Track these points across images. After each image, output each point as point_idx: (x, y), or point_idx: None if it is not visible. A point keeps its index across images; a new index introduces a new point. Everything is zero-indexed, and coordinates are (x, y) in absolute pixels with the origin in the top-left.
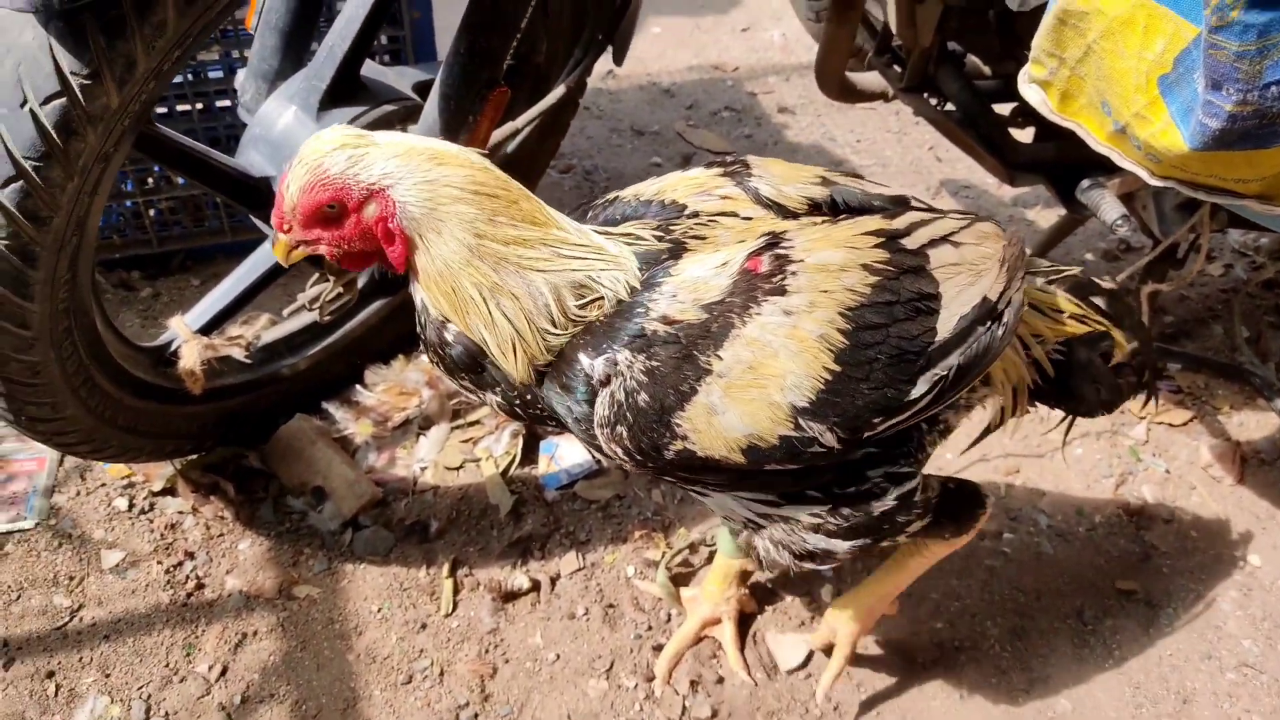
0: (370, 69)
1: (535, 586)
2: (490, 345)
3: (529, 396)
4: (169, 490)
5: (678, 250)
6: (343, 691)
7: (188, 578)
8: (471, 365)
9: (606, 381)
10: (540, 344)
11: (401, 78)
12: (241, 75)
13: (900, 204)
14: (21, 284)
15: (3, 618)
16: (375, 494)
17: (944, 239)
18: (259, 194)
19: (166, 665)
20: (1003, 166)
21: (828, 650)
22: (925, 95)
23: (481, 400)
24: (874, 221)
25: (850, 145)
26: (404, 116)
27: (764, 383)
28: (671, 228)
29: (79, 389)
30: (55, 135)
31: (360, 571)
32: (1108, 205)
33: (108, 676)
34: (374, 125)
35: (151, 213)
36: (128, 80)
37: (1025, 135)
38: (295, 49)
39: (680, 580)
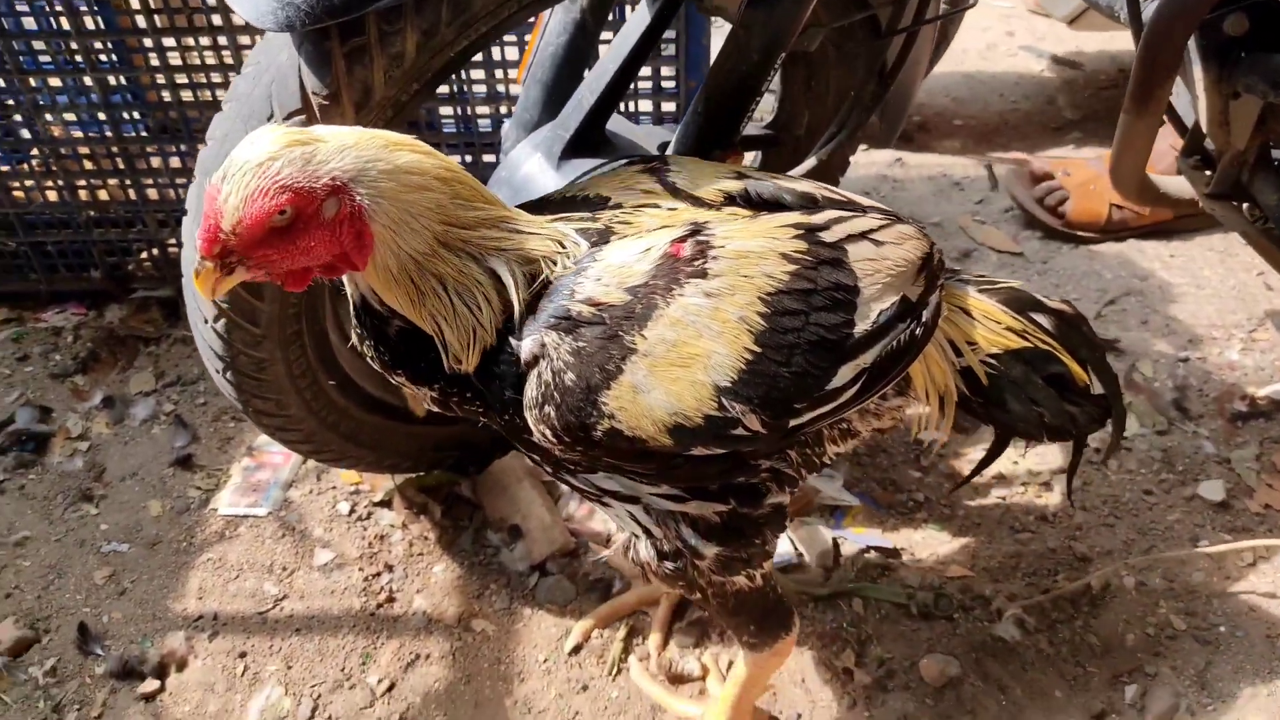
0: (619, 125)
1: (705, 674)
2: (448, 336)
3: (467, 390)
4: (386, 503)
5: (605, 236)
6: None
7: (382, 589)
8: (415, 359)
9: (534, 363)
10: (494, 328)
11: (650, 136)
12: (507, 125)
13: (809, 200)
14: (253, 283)
15: (221, 593)
16: (568, 543)
17: (863, 235)
18: None
19: (342, 670)
20: None
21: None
22: (1237, 204)
23: (415, 394)
24: (793, 216)
25: (1161, 259)
26: None
27: (688, 361)
28: (598, 217)
29: (303, 391)
30: None
31: (537, 617)
32: None
33: (289, 669)
34: None
35: None
36: (364, 106)
37: None
38: (555, 101)
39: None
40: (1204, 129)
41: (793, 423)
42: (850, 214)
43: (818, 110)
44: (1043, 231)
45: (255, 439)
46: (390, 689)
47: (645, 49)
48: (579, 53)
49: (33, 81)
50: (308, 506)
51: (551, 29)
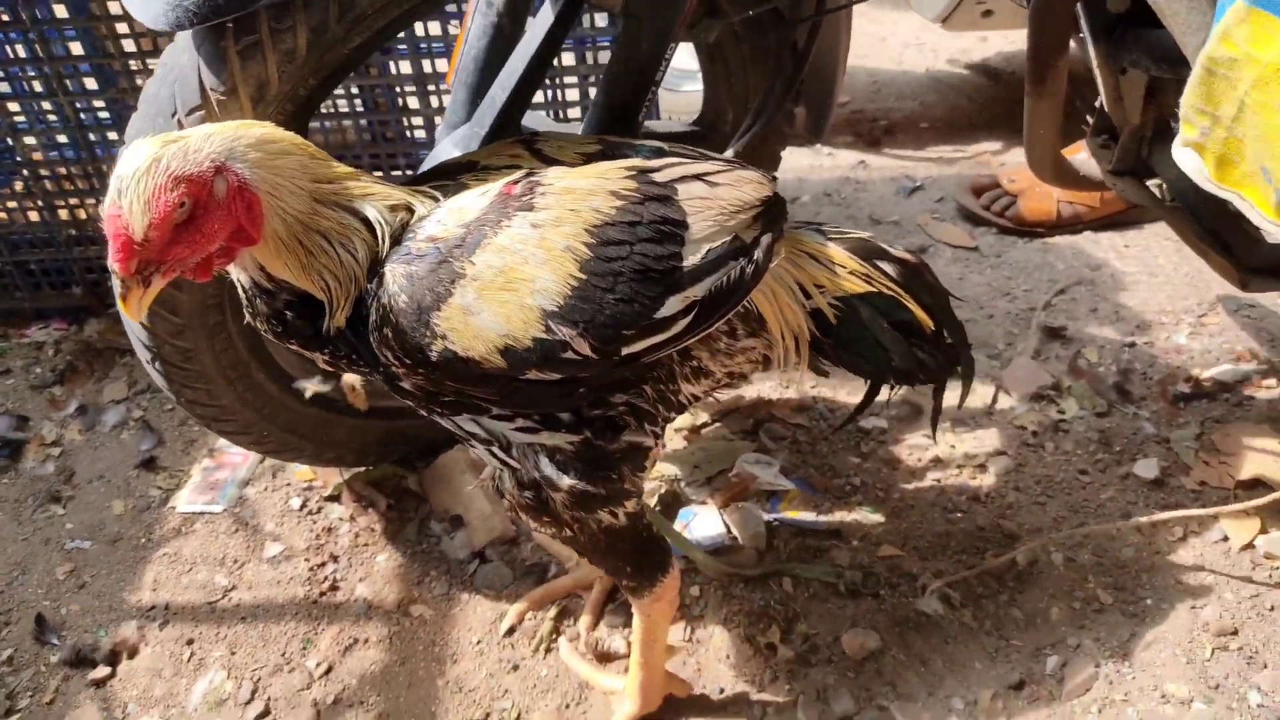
0: (537, 121)
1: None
2: (334, 291)
3: (353, 352)
4: (336, 497)
5: (458, 189)
6: (424, 714)
7: (327, 578)
8: (304, 327)
9: (375, 294)
10: (363, 277)
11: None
12: (440, 126)
13: (660, 153)
14: None
15: (174, 585)
16: (507, 531)
17: (697, 177)
18: None
19: (283, 655)
20: (1233, 268)
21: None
22: (1141, 180)
23: (309, 360)
24: (630, 161)
25: (1115, 249)
26: None
27: (515, 286)
28: (458, 179)
29: (234, 382)
30: None
31: (473, 602)
32: None
33: (233, 654)
34: None
35: None
36: (260, 100)
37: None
38: (479, 103)
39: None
40: (1104, 107)
41: (625, 350)
42: (690, 161)
43: (741, 107)
44: (997, 229)
45: (216, 441)
46: (328, 671)
47: (552, 46)
48: (499, 56)
49: (11, 106)
50: (262, 502)
51: (473, 33)
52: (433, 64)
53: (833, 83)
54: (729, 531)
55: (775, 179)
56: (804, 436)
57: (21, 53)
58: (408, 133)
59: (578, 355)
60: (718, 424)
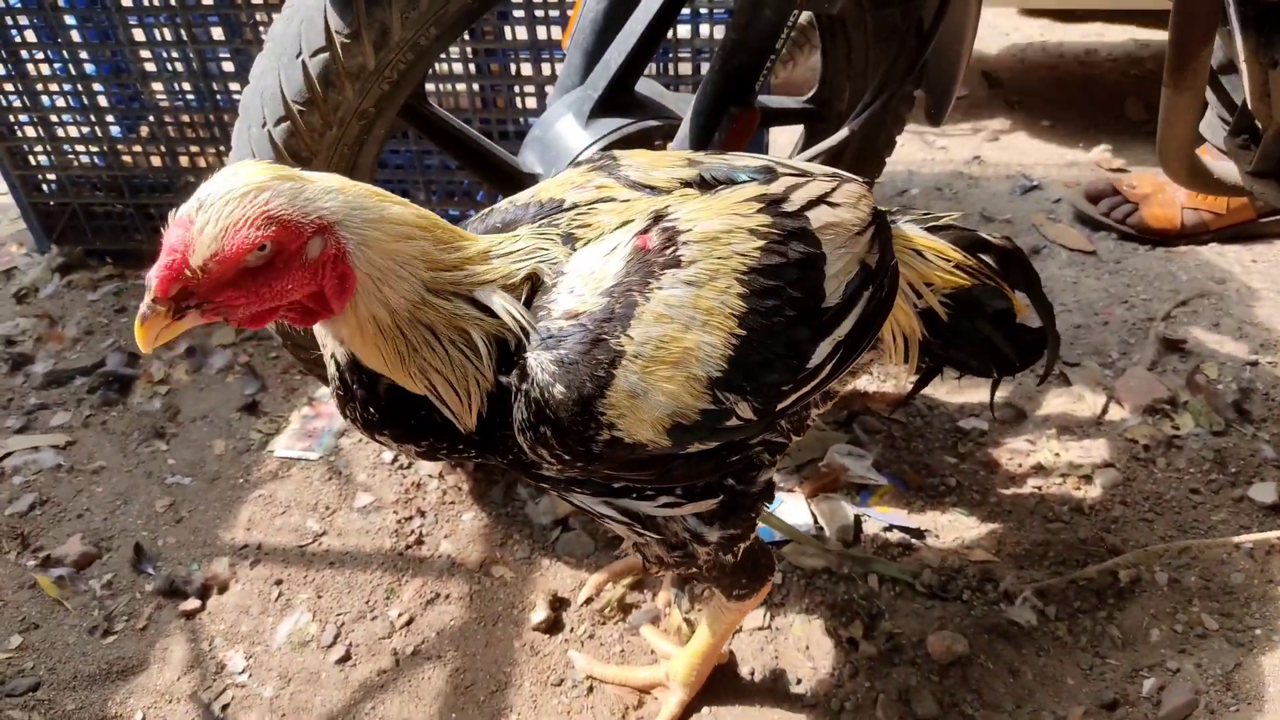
0: (650, 88)
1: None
2: (441, 390)
3: (459, 442)
4: None
5: (568, 240)
6: (498, 674)
7: (413, 532)
8: (402, 418)
9: (520, 387)
10: (492, 369)
11: (683, 102)
12: (551, 90)
13: (767, 172)
14: None
15: (267, 526)
16: None
17: (820, 200)
18: (523, 188)
19: (367, 602)
20: None
21: (645, 689)
22: None
23: (396, 451)
24: (751, 189)
25: (1242, 263)
26: (666, 133)
27: (679, 357)
28: (555, 222)
29: None
30: (318, 84)
31: (554, 568)
32: None
33: (319, 598)
34: (634, 137)
35: None
36: (383, 45)
37: None
38: (593, 66)
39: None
40: (1248, 104)
41: (780, 405)
42: (804, 180)
43: (859, 85)
44: (1117, 234)
45: (316, 390)
46: (409, 623)
47: (670, 12)
48: (618, 19)
49: (144, 53)
50: (355, 453)
51: None
52: (548, 31)
53: (956, 67)
54: (815, 522)
55: (873, 183)
56: (899, 432)
57: (154, 1)
58: (519, 100)
59: (740, 420)
60: None
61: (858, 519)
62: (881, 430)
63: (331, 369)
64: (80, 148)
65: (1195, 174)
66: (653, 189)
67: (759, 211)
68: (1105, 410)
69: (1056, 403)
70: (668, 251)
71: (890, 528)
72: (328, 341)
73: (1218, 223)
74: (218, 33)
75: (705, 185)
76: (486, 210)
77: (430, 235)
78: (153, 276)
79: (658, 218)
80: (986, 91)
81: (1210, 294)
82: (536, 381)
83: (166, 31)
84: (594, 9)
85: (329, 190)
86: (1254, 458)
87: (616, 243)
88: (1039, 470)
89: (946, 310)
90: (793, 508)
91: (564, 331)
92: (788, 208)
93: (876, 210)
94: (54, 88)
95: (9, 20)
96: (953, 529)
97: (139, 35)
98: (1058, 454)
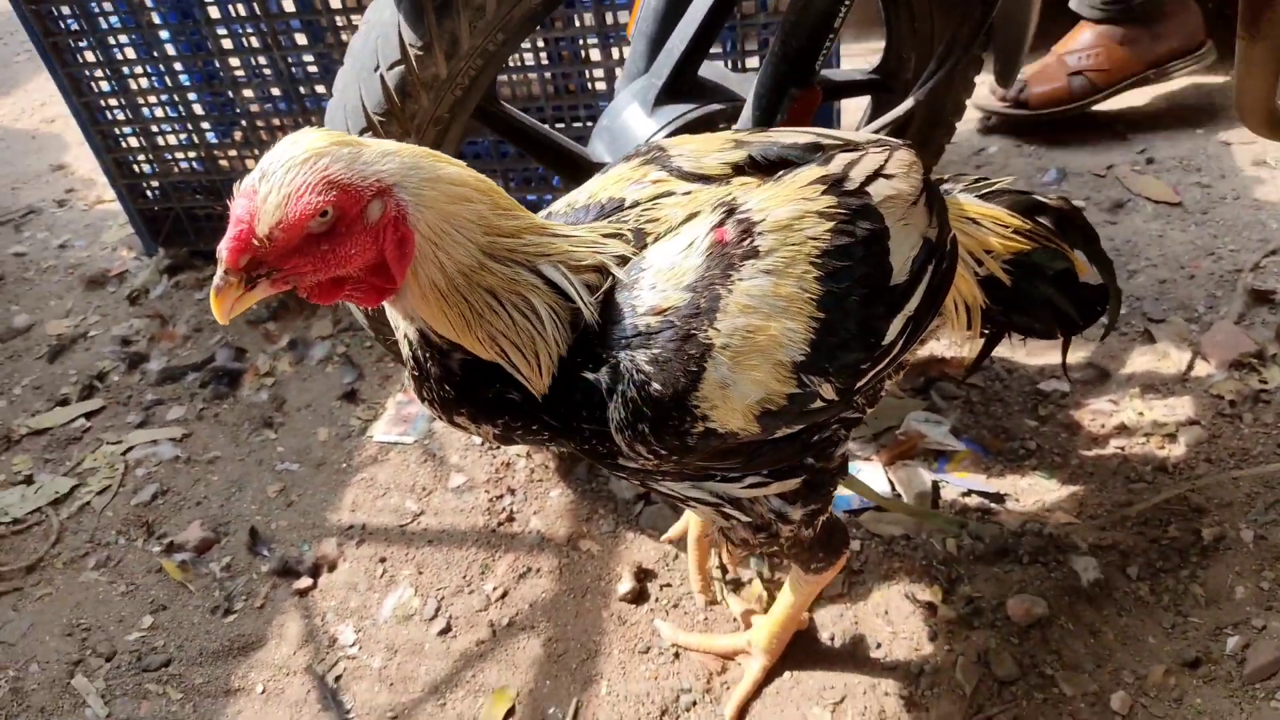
0: (713, 71)
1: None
2: (512, 355)
3: (533, 423)
4: None
5: (639, 237)
6: (588, 643)
7: (504, 509)
8: (476, 395)
9: (614, 387)
10: (559, 338)
11: (745, 83)
12: (619, 77)
13: (815, 149)
14: None
15: (370, 507)
16: None
17: (878, 173)
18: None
19: (464, 577)
20: None
21: (728, 655)
22: None
23: (474, 434)
24: (813, 171)
25: None
26: (730, 116)
27: (765, 345)
28: (622, 220)
29: None
30: (395, 96)
31: (639, 541)
32: None
33: (420, 574)
34: (699, 121)
35: None
36: (454, 54)
37: None
38: (658, 53)
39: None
40: None
41: (858, 384)
42: (859, 153)
43: (925, 53)
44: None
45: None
46: (504, 596)
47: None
48: (680, 6)
49: (233, 61)
50: (448, 437)
51: None
52: (615, 16)
53: (1025, 28)
54: (893, 489)
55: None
56: (977, 397)
57: (241, 10)
58: (589, 85)
59: (824, 401)
60: None
61: (936, 485)
62: (960, 396)
63: (405, 350)
64: (179, 154)
65: (1275, 123)
66: (706, 178)
67: (824, 193)
68: (1191, 366)
69: (1141, 361)
70: (745, 243)
71: (969, 493)
72: (399, 323)
73: (1105, 79)
74: (301, 38)
75: (755, 165)
76: (544, 213)
77: (488, 200)
78: (223, 249)
79: (730, 210)
80: None
81: None
82: (632, 380)
83: (254, 39)
84: None
85: (386, 153)
86: None
87: (693, 237)
88: (1122, 430)
89: (1008, 275)
90: (870, 475)
91: (653, 328)
92: (849, 186)
93: (927, 179)
94: (153, 99)
95: (111, 40)
96: (1033, 492)
97: (228, 44)
98: (1141, 413)
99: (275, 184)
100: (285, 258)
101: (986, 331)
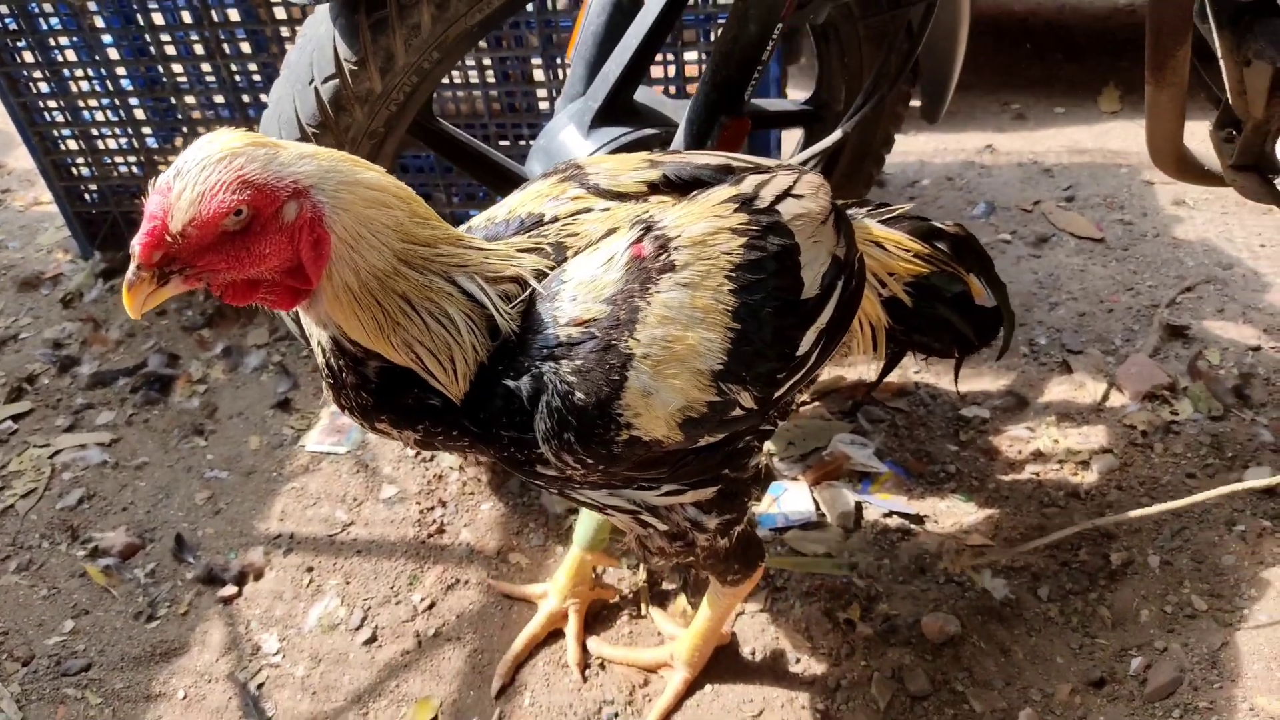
0: (649, 96)
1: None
2: (427, 361)
3: (453, 429)
4: None
5: (560, 252)
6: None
7: (435, 521)
8: (395, 401)
9: (536, 397)
10: (476, 345)
11: (680, 109)
12: (559, 100)
13: (727, 171)
14: None
15: (299, 517)
16: None
17: (786, 193)
18: None
19: (392, 588)
20: None
21: (651, 668)
22: (1267, 177)
23: (396, 439)
24: (725, 190)
25: (1249, 249)
26: (664, 141)
27: (683, 354)
28: (542, 235)
29: None
30: (329, 109)
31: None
32: None
33: (348, 584)
34: (633, 146)
35: None
36: (389, 70)
37: None
38: (595, 77)
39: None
40: (1229, 99)
41: (776, 394)
42: (768, 175)
43: (854, 86)
44: (1127, 216)
45: None
46: (431, 607)
47: (666, 25)
48: (618, 31)
49: (176, 67)
50: (381, 447)
51: (593, 9)
52: (559, 36)
53: (950, 64)
54: (818, 509)
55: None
56: (902, 421)
57: (187, 18)
58: (534, 104)
59: (743, 410)
60: (816, 404)
61: (859, 505)
62: (885, 419)
63: (319, 359)
64: (119, 158)
65: (1185, 166)
66: (622, 195)
67: (736, 211)
68: (1106, 397)
69: (1058, 390)
70: (662, 258)
71: (890, 514)
72: (313, 330)
73: None
74: (245, 47)
75: (670, 184)
76: (464, 227)
77: (406, 207)
78: (136, 244)
79: (648, 227)
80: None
81: (1216, 280)
82: (556, 390)
83: (198, 46)
84: (595, 21)
85: (304, 155)
86: (1251, 442)
87: (612, 252)
88: (1038, 456)
89: (909, 297)
90: (795, 495)
91: (574, 338)
92: (760, 204)
93: (834, 201)
94: (93, 102)
95: (51, 41)
96: (951, 514)
97: (171, 50)
98: (1057, 440)
99: (190, 181)
100: (199, 255)
101: (889, 350)
